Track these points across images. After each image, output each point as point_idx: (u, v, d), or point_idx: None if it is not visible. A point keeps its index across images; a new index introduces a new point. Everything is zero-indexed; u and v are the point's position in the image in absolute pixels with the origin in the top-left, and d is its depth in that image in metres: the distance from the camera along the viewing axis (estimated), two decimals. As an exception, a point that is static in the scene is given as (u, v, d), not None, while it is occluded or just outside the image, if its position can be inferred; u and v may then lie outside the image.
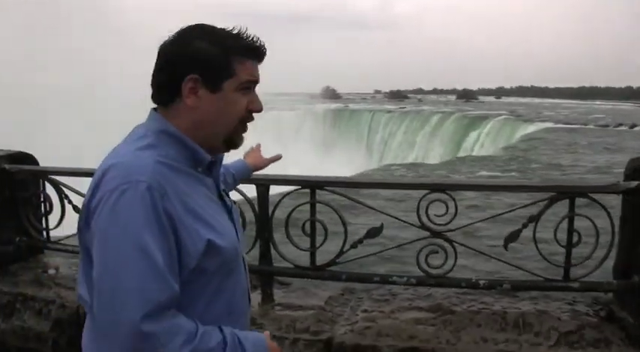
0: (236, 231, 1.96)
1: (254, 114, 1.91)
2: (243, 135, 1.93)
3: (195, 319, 1.71)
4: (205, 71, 1.81)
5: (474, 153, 38.10)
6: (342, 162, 41.59)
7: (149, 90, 1.89)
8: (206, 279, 1.78)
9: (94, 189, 1.69)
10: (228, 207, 1.98)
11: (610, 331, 3.45)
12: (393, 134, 53.26)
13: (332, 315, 3.82)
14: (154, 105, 1.89)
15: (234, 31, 1.85)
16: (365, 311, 3.82)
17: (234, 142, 1.92)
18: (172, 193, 1.68)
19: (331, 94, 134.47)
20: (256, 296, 4.06)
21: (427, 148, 47.38)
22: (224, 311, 1.85)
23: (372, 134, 56.06)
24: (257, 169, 2.87)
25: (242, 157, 2.85)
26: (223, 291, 1.85)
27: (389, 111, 60.71)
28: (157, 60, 1.85)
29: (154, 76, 1.86)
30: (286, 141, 52.50)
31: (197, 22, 1.88)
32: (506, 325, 3.54)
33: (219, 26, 1.87)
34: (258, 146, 2.95)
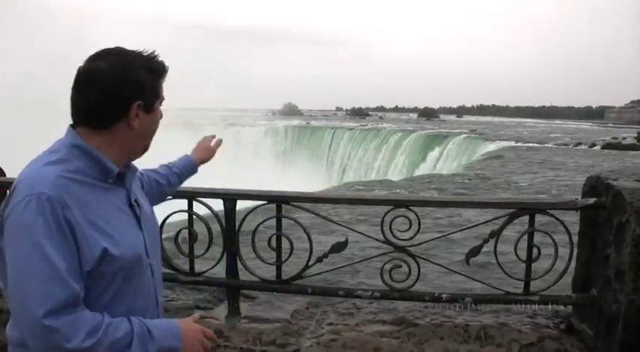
0: (144, 240, 2.12)
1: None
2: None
3: (104, 313, 1.90)
4: (146, 96, 2.05)
5: (435, 171, 38.25)
6: (303, 180, 41.38)
7: None
8: (105, 283, 1.94)
9: (7, 200, 1.88)
10: (137, 217, 2.12)
11: (570, 343, 3.53)
12: (354, 151, 53.29)
13: (298, 328, 3.85)
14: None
15: (152, 54, 2.06)
16: (330, 324, 3.86)
17: (136, 155, 2.16)
18: (73, 204, 1.85)
19: (293, 111, 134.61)
20: (223, 309, 4.10)
21: (388, 166, 47.42)
22: (124, 312, 1.97)
23: (333, 151, 56.03)
24: (204, 161, 3.02)
25: (189, 153, 3.03)
26: (124, 294, 2.00)
27: (350, 129, 60.76)
28: (90, 85, 1.97)
29: (85, 99, 1.99)
30: (247, 157, 52.35)
31: (113, 46, 2.04)
32: (469, 337, 3.60)
33: (131, 49, 2.06)
34: (211, 137, 3.13)
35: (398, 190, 24.94)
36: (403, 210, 3.68)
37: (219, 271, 4.06)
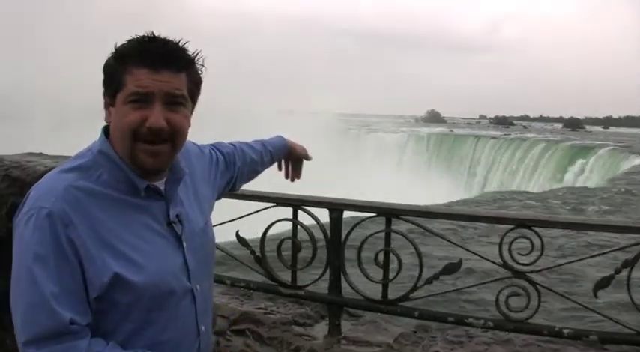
0: (185, 262, 1.84)
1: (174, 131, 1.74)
2: (151, 157, 1.73)
3: (113, 346, 1.69)
4: (107, 85, 1.74)
5: (578, 184, 37.10)
6: (443, 187, 41.29)
7: None
8: (120, 312, 1.70)
9: (20, 207, 1.71)
10: (177, 236, 1.84)
11: None
12: (496, 161, 52.58)
13: (399, 355, 3.60)
14: None
15: (135, 38, 1.72)
16: None
17: (138, 163, 1.74)
18: (81, 221, 1.64)
19: (435, 118, 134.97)
20: (323, 327, 3.96)
21: (530, 177, 46.58)
22: (148, 346, 1.75)
23: (475, 160, 55.41)
24: (293, 153, 2.67)
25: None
26: (149, 325, 1.76)
27: (493, 137, 59.83)
28: None
29: None
30: (388, 163, 52.47)
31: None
32: (590, 381, 3.27)
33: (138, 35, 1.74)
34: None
35: (533, 202, 24.23)
36: (526, 230, 3.41)
37: (322, 285, 3.91)
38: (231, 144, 2.38)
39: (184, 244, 1.84)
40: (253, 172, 2.51)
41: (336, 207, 3.73)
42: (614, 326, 3.47)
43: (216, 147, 2.30)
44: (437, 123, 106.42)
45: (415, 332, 3.95)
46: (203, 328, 1.91)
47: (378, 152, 55.25)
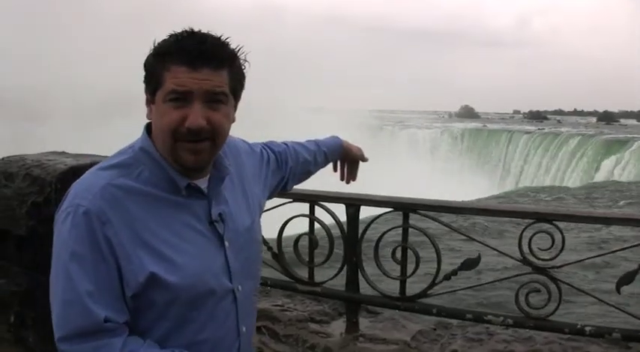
0: (227, 262, 1.82)
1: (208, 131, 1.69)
2: (192, 155, 1.70)
3: (150, 344, 1.69)
4: (147, 83, 1.72)
5: (613, 178, 36.89)
6: (477, 183, 41.24)
7: None
8: (157, 311, 1.70)
9: (60, 203, 1.72)
10: (219, 235, 1.81)
11: None
12: (530, 156, 52.38)
13: (417, 353, 3.56)
14: None
15: (174, 34, 1.68)
16: (454, 351, 3.58)
17: (179, 161, 1.71)
18: (119, 220, 1.63)
19: (469, 113, 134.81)
20: (340, 324, 3.91)
21: (565, 172, 46.45)
22: (185, 344, 1.74)
23: (509, 155, 55.20)
24: (349, 152, 2.59)
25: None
26: (188, 323, 1.75)
27: (527, 132, 59.52)
28: None
29: None
30: (422, 159, 52.44)
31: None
32: (613, 380, 3.20)
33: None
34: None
35: (565, 197, 24.08)
36: (546, 225, 3.35)
37: (340, 282, 3.86)
38: (284, 144, 2.34)
39: (226, 243, 1.81)
40: (306, 173, 2.46)
41: (352, 203, 3.69)
42: (639, 323, 3.39)
43: (267, 146, 2.26)
44: (470, 119, 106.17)
45: (435, 329, 3.89)
46: (244, 329, 1.89)
47: (412, 148, 55.43)
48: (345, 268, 3.78)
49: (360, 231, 3.72)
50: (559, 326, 3.43)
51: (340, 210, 3.75)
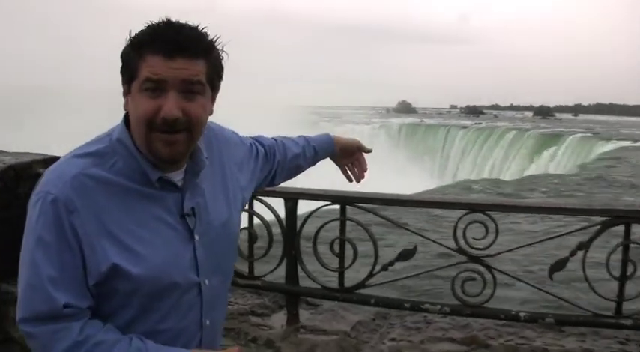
0: (194, 256, 1.81)
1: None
2: (167, 146, 1.69)
3: (109, 329, 1.71)
4: (123, 73, 1.71)
5: (549, 171, 37.55)
6: (415, 178, 41.47)
7: None
8: (121, 298, 1.72)
9: (35, 188, 1.73)
10: (189, 229, 1.81)
11: (665, 376, 3.16)
12: (467, 150, 52.90)
13: (356, 342, 3.63)
14: None
15: (150, 24, 1.67)
16: (393, 339, 3.62)
17: (154, 152, 1.70)
18: (86, 209, 1.65)
19: (407, 108, 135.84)
20: (281, 317, 3.93)
21: (502, 165, 47.06)
22: (146, 332, 1.74)
23: (446, 150, 55.65)
24: (347, 149, 2.50)
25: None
26: (150, 313, 1.75)
27: (464, 127, 60.09)
28: None
29: None
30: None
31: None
32: (547, 363, 3.28)
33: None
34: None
35: (501, 189, 24.53)
36: (480, 215, 3.41)
37: (280, 275, 3.87)
38: (273, 138, 2.34)
39: (196, 237, 1.81)
40: (295, 167, 2.41)
41: (290, 197, 3.70)
42: (571, 308, 3.47)
43: (257, 139, 2.25)
44: (408, 114, 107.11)
45: (374, 319, 3.94)
46: (207, 322, 1.89)
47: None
48: (284, 261, 3.79)
49: (299, 224, 3.74)
50: (495, 313, 3.49)
51: (279, 205, 3.74)
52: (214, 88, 1.76)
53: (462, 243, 3.44)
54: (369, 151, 2.55)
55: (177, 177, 1.78)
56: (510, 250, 3.69)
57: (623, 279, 3.29)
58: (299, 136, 2.46)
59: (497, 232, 3.36)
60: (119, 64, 1.71)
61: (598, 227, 3.28)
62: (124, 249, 1.67)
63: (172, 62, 1.61)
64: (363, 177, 2.53)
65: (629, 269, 3.26)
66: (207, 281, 1.84)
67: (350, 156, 2.51)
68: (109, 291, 1.70)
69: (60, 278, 1.64)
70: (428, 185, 31.11)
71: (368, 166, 2.52)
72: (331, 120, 67.54)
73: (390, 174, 41.13)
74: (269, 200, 3.73)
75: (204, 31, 1.69)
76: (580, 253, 3.30)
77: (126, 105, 1.72)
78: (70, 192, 1.63)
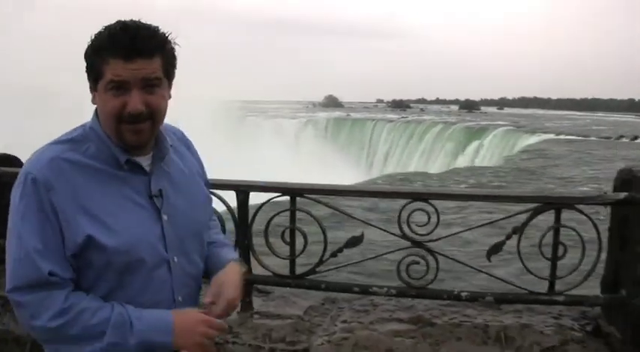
0: (163, 234, 1.97)
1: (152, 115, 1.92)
2: (134, 135, 1.92)
3: (92, 298, 1.88)
4: (88, 73, 1.91)
5: (475, 164, 37.88)
6: (343, 172, 41.33)
7: None
8: (96, 271, 1.89)
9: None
10: (157, 209, 1.98)
11: (595, 346, 3.37)
12: (394, 144, 52.77)
13: (310, 325, 3.73)
14: None
15: (108, 27, 1.86)
16: (344, 321, 3.73)
17: (125, 142, 1.93)
18: (62, 188, 1.84)
19: (333, 103, 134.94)
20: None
21: (428, 158, 47.09)
22: (128, 303, 1.91)
23: (374, 144, 55.38)
24: (215, 280, 2.16)
25: (232, 260, 2.28)
26: (124, 287, 1.92)
27: (391, 121, 60.01)
28: None
29: None
30: (287, 148, 52.10)
31: None
32: (488, 339, 3.46)
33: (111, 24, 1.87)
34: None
35: (432, 181, 24.78)
36: (422, 203, 3.55)
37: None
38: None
39: (164, 217, 1.98)
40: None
41: (242, 189, 3.80)
42: (508, 287, 3.64)
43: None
44: (334, 108, 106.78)
45: (323, 304, 4.05)
46: (180, 298, 2.02)
47: (277, 138, 54.98)
48: (237, 251, 3.88)
49: (251, 215, 3.84)
50: (438, 294, 3.65)
51: (231, 197, 3.84)
52: (170, 77, 1.97)
53: (405, 229, 3.56)
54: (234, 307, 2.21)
55: (145, 162, 1.99)
56: (452, 235, 3.86)
57: (555, 260, 3.46)
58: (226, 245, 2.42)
59: (438, 219, 3.49)
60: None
61: (531, 212, 3.45)
62: (97, 223, 1.85)
63: (132, 64, 1.82)
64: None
65: (560, 250, 3.43)
66: (175, 259, 2.00)
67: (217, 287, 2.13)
68: (85, 264, 1.87)
69: (44, 250, 1.82)
70: (356, 178, 31.20)
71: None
72: (258, 115, 67.09)
73: (318, 167, 41.05)
74: (221, 192, 3.84)
75: (157, 28, 1.88)
76: (515, 237, 3.46)
77: (93, 100, 1.94)
78: (48, 172, 1.84)
